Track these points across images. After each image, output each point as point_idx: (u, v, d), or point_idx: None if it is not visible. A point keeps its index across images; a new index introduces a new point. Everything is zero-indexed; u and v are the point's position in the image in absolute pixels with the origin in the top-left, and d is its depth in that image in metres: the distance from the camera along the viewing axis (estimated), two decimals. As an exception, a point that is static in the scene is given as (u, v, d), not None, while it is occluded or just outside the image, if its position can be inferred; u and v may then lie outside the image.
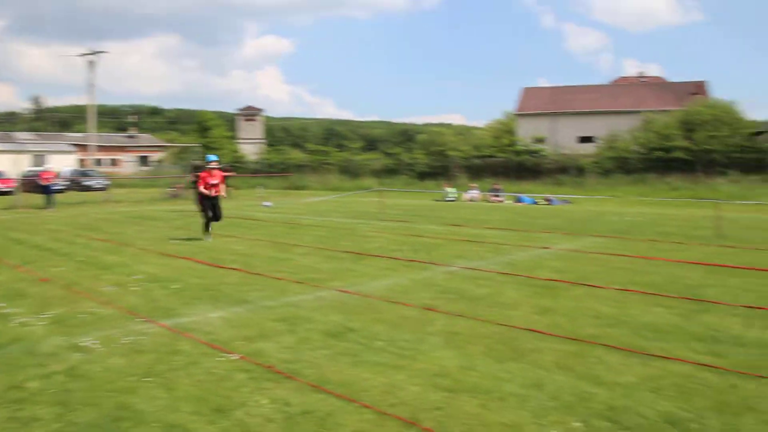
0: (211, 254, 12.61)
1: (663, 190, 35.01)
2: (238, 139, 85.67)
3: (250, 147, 75.57)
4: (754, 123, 46.22)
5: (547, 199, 30.73)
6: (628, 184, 38.04)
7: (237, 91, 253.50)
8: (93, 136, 60.82)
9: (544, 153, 47.48)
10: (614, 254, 12.45)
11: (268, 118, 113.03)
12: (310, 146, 73.10)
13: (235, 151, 68.80)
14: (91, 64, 57.73)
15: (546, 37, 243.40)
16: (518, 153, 47.64)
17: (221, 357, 5.90)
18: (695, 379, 5.27)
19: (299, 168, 53.94)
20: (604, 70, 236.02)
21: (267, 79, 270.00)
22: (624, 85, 66.72)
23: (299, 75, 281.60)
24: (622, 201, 29.86)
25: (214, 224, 15.48)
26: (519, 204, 30.99)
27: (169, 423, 4.48)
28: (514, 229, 17.56)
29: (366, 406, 4.70)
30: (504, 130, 57.38)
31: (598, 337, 6.46)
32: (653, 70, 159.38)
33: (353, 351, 6.07)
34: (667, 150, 40.19)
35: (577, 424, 4.39)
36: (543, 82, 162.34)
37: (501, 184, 37.06)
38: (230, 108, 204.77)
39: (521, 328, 6.82)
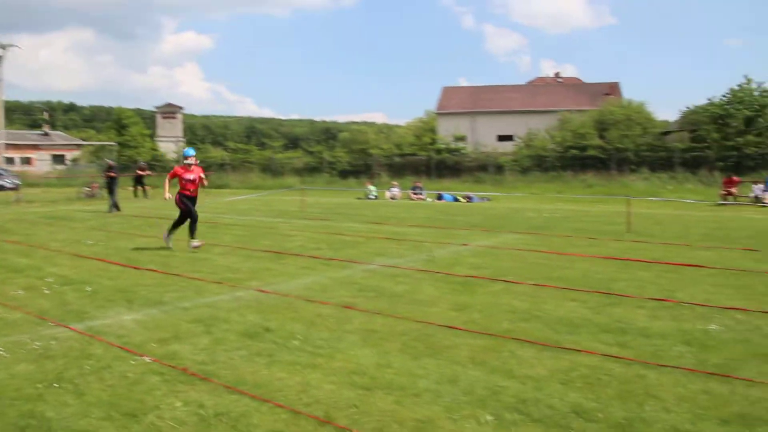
0: (127, 255, 12.32)
1: (578, 187, 36.14)
2: (157, 137, 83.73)
3: (170, 145, 73.96)
4: (663, 123, 48.13)
5: (467, 197, 31.23)
6: (545, 181, 39.12)
7: (156, 88, 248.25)
8: (3, 133, 58.44)
9: (464, 151, 48.26)
10: (530, 250, 12.76)
11: (188, 116, 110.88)
12: (231, 144, 72.23)
13: (154, 150, 67.35)
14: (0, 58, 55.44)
15: (466, 38, 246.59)
16: (439, 151, 48.24)
17: (134, 360, 5.78)
18: (603, 369, 5.45)
19: (220, 167, 53.18)
20: (522, 70, 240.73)
21: (186, 76, 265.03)
22: (541, 85, 68.36)
23: (219, 72, 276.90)
24: (540, 198, 30.60)
25: (179, 229, 13.41)
26: (440, 201, 31.40)
27: (79, 430, 4.36)
28: (434, 227, 17.77)
29: (280, 406, 4.69)
30: (425, 129, 57.96)
31: (513, 332, 6.62)
32: (569, 71, 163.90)
33: (269, 351, 6.04)
34: (582, 148, 41.51)
35: (489, 418, 4.49)
36: (463, 82, 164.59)
37: (422, 182, 37.46)
38: (149, 105, 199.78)
39: (438, 325, 6.92)
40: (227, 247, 13.55)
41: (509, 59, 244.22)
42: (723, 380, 5.20)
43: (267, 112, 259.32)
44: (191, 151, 13.58)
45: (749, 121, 39.18)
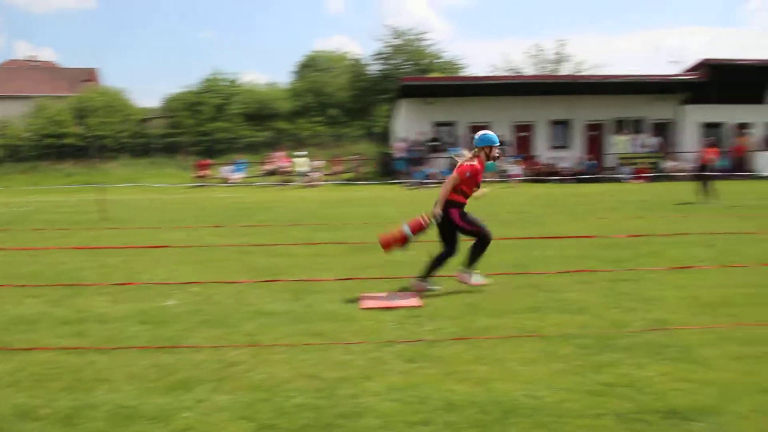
0: None
1: (57, 177, 35.14)
2: None
3: None
4: (144, 110, 49.03)
5: (-75, 195, 27.50)
6: (20, 172, 37.28)
7: None
8: None
9: None
10: (-6, 248, 11.81)
11: None
12: None
13: None
14: None
15: None
16: None
17: None
18: (54, 363, 5.32)
19: None
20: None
21: None
22: (15, 68, 63.24)
23: None
24: (13, 191, 28.57)
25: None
26: None
27: None
28: None
29: None
30: None
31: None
32: (48, 55, 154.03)
33: None
34: (60, 136, 40.15)
35: None
36: None
37: None
38: None
39: None
40: None
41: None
42: (172, 351, 5.54)
43: None
44: (495, 138, 7.68)
45: (219, 109, 42.48)
